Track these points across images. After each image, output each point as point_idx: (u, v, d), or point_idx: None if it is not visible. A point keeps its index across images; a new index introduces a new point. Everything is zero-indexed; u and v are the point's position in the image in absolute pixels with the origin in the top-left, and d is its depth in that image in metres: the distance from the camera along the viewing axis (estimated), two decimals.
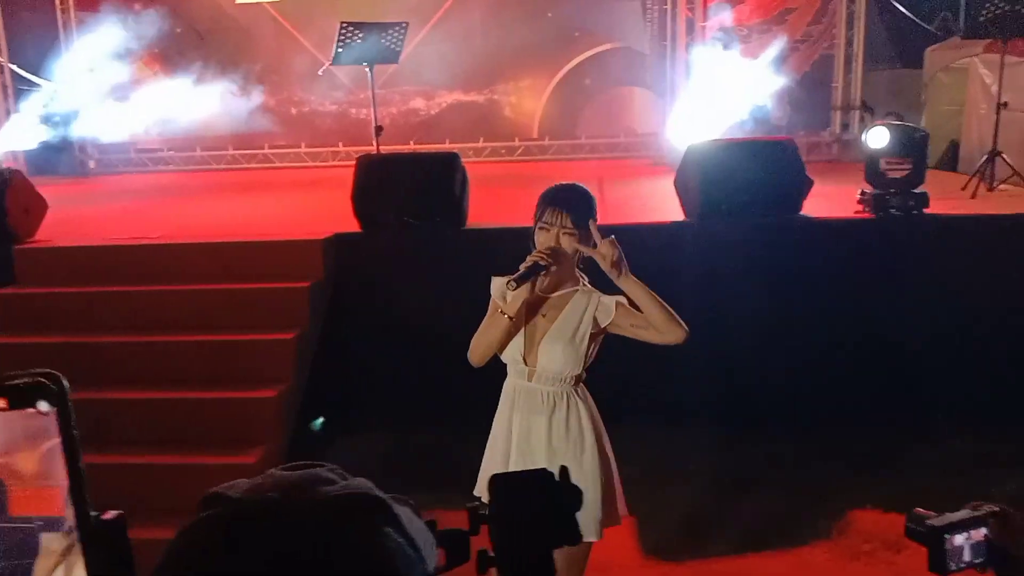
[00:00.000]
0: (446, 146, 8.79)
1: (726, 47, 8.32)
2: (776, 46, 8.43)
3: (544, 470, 0.96)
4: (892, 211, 5.48)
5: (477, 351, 2.73)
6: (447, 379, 4.57)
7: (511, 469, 2.53)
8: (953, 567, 1.12)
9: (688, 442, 4.79)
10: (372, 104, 7.00)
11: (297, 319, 5.06)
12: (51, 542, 0.82)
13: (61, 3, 9.38)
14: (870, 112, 8.95)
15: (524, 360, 2.69)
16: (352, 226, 5.45)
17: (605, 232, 2.59)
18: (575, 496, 0.96)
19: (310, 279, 5.18)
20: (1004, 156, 6.60)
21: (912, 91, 9.29)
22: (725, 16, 8.63)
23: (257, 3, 9.49)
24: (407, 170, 5.68)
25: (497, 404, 2.81)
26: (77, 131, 9.13)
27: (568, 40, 9.49)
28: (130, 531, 0.88)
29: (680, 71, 8.87)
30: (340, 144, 9.53)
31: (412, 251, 5.38)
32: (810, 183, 5.50)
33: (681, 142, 6.69)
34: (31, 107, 8.78)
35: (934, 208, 5.54)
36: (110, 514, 0.87)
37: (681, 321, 2.56)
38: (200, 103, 8.93)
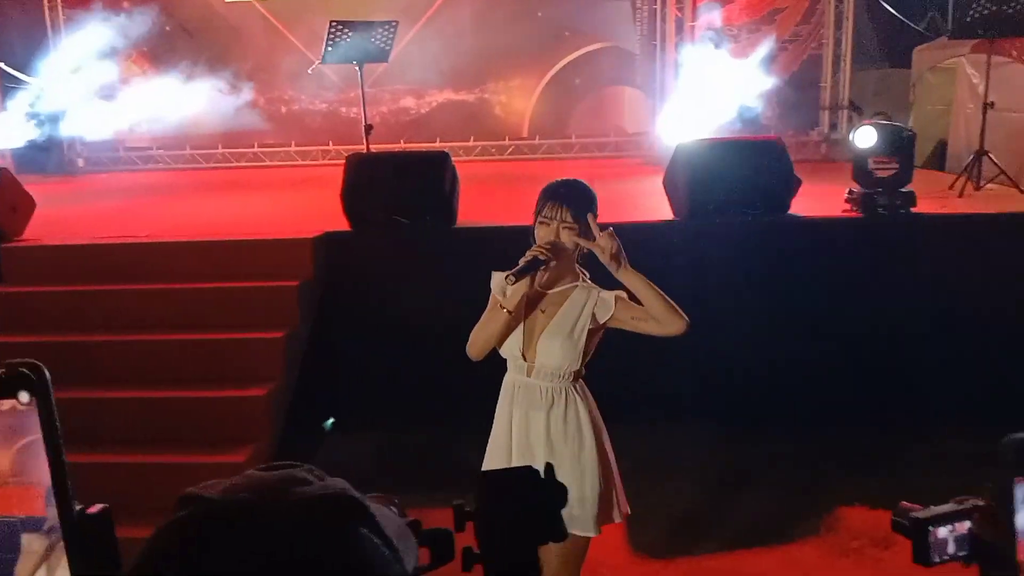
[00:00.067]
0: (436, 145, 8.75)
1: (716, 47, 8.33)
2: (765, 46, 8.46)
3: (529, 467, 0.96)
4: (880, 210, 5.50)
5: (476, 345, 2.73)
6: (438, 378, 4.59)
7: (514, 464, 2.53)
8: (937, 559, 1.13)
9: (680, 439, 4.80)
10: (362, 103, 6.97)
11: (287, 318, 5.05)
12: (31, 543, 0.81)
13: (49, 0, 9.32)
14: (858, 112, 8.98)
15: (523, 355, 2.69)
16: (342, 225, 5.44)
17: (601, 228, 2.59)
18: (560, 493, 0.96)
19: (300, 278, 5.17)
20: (991, 155, 6.64)
21: (900, 91, 9.33)
22: (714, 16, 8.64)
23: (247, 1, 9.43)
24: (397, 169, 5.67)
25: (489, 402, 2.81)
26: (65, 129, 9.06)
27: (558, 39, 9.48)
28: (118, 530, 0.87)
29: (670, 70, 8.90)
30: (330, 143, 9.50)
31: (402, 250, 5.37)
32: (798, 182, 5.53)
33: (671, 141, 6.70)
34: (19, 105, 8.71)
35: (921, 207, 5.59)
36: (95, 508, 0.86)
37: (681, 312, 2.57)
38: (189, 101, 8.88)
